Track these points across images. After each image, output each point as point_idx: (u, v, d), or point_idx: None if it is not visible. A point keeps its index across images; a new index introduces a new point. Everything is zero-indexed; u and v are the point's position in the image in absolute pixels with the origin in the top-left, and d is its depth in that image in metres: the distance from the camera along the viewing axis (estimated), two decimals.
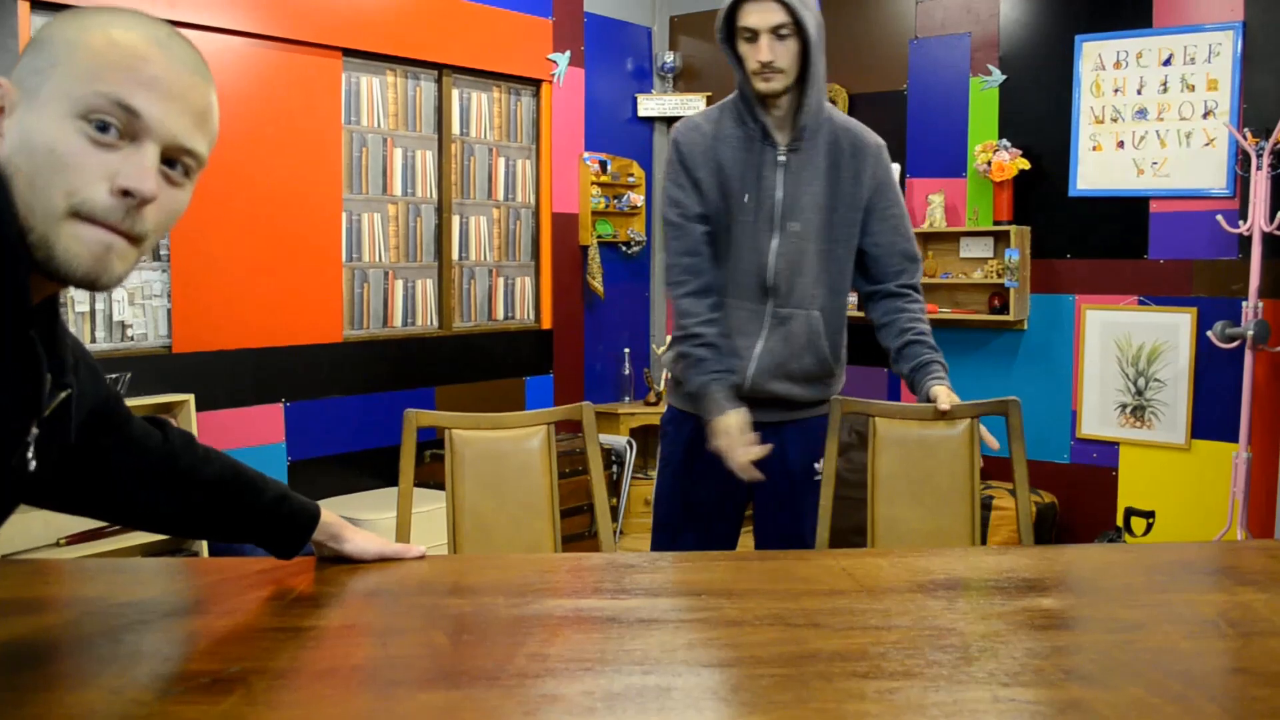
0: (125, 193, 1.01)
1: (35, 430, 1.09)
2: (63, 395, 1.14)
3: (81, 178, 0.99)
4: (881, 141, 2.44)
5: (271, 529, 1.51)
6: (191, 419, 3.83)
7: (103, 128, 1.00)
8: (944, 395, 2.27)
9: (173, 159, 1.06)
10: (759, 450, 2.24)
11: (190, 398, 3.84)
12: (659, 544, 2.52)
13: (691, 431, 2.45)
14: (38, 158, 0.99)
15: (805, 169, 2.35)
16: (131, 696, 1.10)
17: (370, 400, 4.63)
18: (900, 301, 2.45)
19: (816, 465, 2.43)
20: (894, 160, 5.12)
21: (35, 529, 3.51)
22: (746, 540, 2.63)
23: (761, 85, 2.28)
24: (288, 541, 1.53)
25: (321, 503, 5.09)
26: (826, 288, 2.40)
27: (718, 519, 2.47)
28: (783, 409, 2.42)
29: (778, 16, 2.22)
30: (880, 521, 2.27)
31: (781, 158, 2.35)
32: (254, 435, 4.21)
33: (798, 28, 2.23)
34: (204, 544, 3.80)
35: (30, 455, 1.10)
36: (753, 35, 2.25)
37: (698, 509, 2.46)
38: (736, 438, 2.27)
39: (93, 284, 1.02)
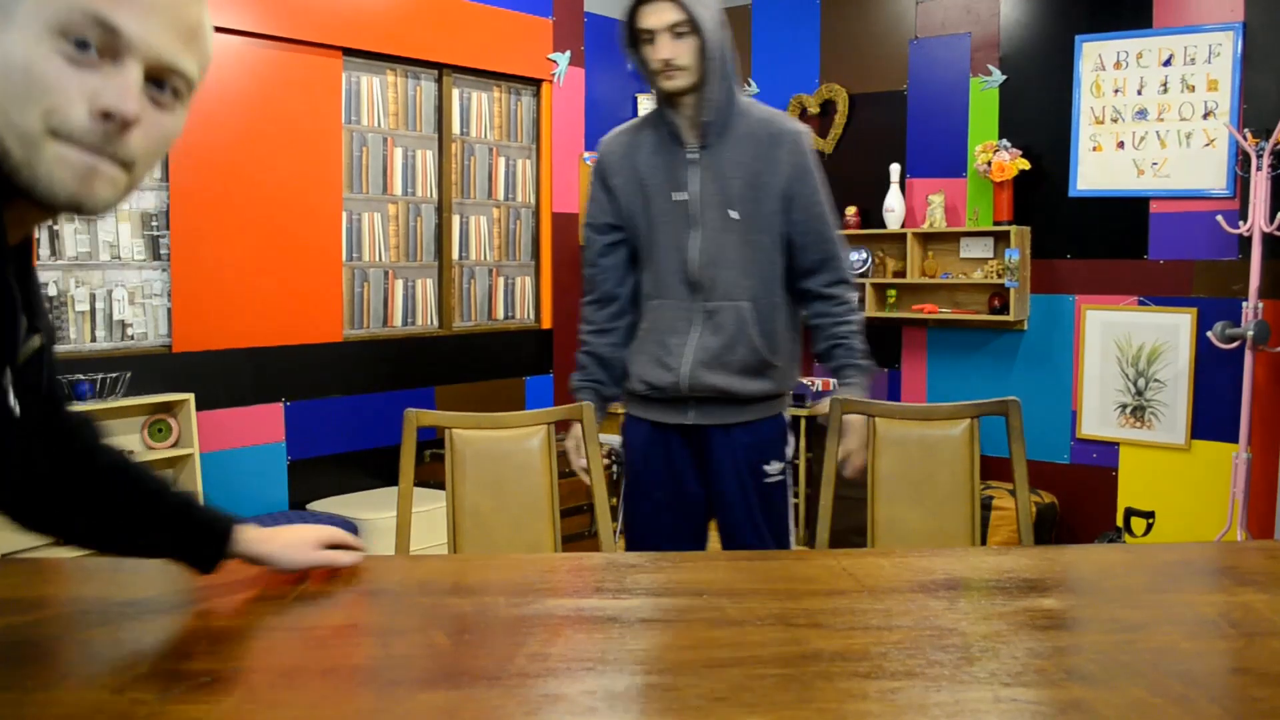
0: (106, 115, 0.95)
1: (10, 374, 1.05)
2: (37, 342, 1.10)
3: (59, 98, 0.94)
4: (803, 129, 2.45)
5: (183, 533, 1.38)
6: (192, 419, 3.83)
7: (81, 45, 0.95)
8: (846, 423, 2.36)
9: (160, 80, 1.01)
10: (590, 462, 2.40)
11: (190, 397, 3.84)
12: (630, 548, 2.54)
13: (645, 435, 2.48)
14: (13, 79, 0.94)
15: (720, 164, 2.38)
16: (131, 696, 1.10)
17: (370, 400, 4.63)
18: (826, 305, 2.46)
19: (767, 468, 2.44)
20: (894, 160, 5.15)
21: None
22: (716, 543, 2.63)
23: (665, 84, 2.32)
24: (203, 549, 1.39)
25: (321, 502, 5.05)
26: (756, 279, 2.41)
27: (680, 522, 2.50)
28: (729, 409, 2.43)
29: (673, 15, 2.26)
30: (880, 521, 2.27)
31: (693, 155, 2.39)
32: (254, 435, 4.21)
33: (695, 25, 2.27)
34: None
35: (13, 402, 1.05)
36: (651, 36, 2.30)
37: (658, 513, 2.49)
38: (575, 446, 2.47)
39: (79, 208, 0.97)
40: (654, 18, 2.27)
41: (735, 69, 2.39)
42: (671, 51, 2.27)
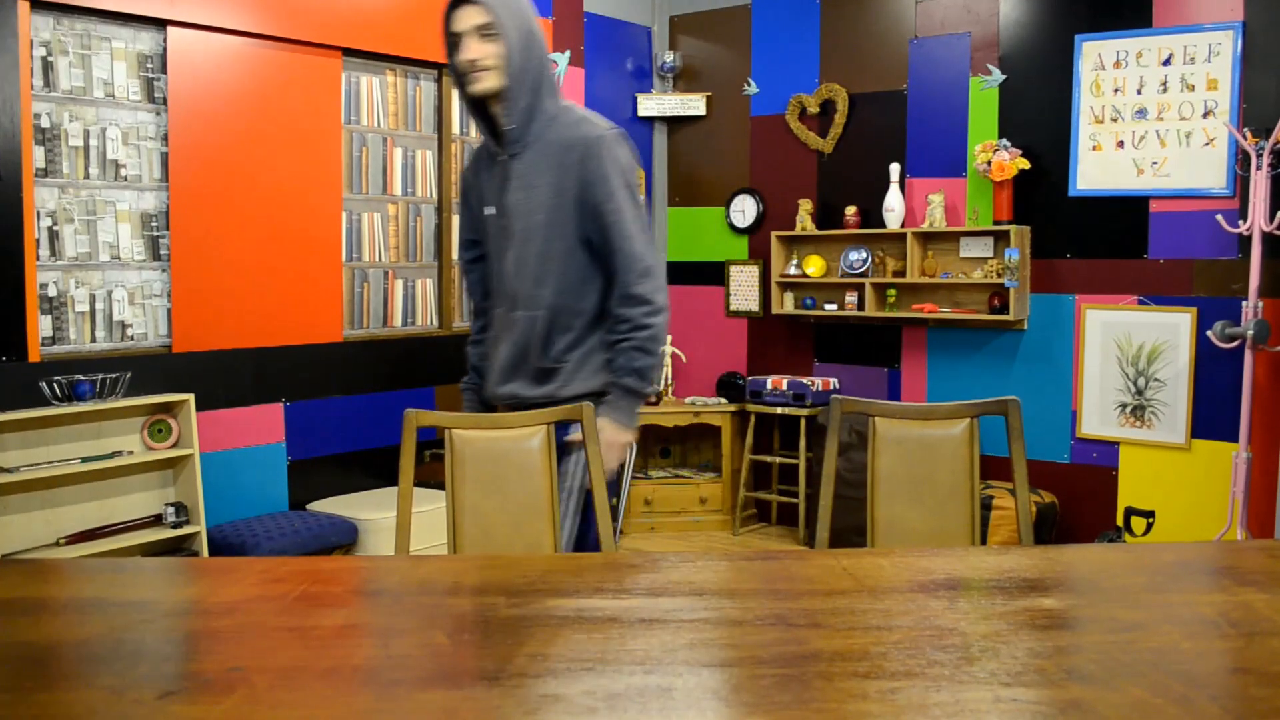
0: None
1: None
2: None
3: None
4: (605, 134, 2.38)
5: None
6: (192, 419, 3.83)
7: None
8: (599, 428, 2.30)
9: None
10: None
11: (190, 397, 3.84)
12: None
13: None
14: None
15: (528, 174, 2.40)
16: (132, 696, 1.10)
17: (370, 400, 4.63)
18: (612, 322, 2.41)
19: None
20: (894, 160, 5.15)
21: (35, 529, 3.51)
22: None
23: (474, 86, 2.36)
24: None
25: (321, 503, 5.03)
26: (553, 287, 2.40)
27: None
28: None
29: (479, 17, 2.32)
30: (880, 521, 2.27)
31: (505, 168, 2.43)
32: (254, 435, 4.21)
33: (499, 28, 2.32)
34: (204, 544, 3.80)
35: None
36: (459, 39, 2.34)
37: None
38: None
39: None
40: (462, 21, 2.33)
41: (549, 78, 2.41)
42: (478, 52, 2.32)
